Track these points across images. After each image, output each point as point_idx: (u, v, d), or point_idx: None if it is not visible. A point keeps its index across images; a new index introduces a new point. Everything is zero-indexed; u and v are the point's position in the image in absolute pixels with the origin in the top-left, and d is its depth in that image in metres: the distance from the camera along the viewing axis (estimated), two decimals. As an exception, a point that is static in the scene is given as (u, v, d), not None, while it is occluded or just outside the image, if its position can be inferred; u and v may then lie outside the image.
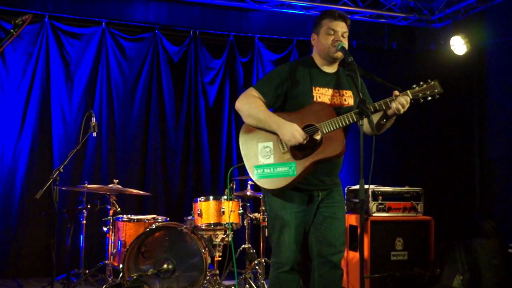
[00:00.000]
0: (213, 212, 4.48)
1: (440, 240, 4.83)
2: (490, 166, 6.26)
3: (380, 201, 4.79)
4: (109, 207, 4.65)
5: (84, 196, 4.79)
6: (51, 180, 3.93)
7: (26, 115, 5.57)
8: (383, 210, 4.79)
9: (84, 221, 4.77)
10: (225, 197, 4.48)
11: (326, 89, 2.86)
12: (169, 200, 5.96)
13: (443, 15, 6.38)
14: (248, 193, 4.92)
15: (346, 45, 2.81)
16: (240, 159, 2.88)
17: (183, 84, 6.12)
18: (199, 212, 4.49)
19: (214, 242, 4.53)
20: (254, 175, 2.79)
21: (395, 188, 4.89)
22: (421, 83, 2.73)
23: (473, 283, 4.42)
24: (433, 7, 6.40)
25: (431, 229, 4.78)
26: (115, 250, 4.54)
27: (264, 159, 2.78)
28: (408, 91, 2.71)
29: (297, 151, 2.72)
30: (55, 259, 3.98)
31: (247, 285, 4.67)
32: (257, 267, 4.70)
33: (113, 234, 4.56)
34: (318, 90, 2.84)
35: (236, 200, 4.58)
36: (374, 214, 4.75)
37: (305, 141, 2.68)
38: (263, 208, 4.66)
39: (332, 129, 2.68)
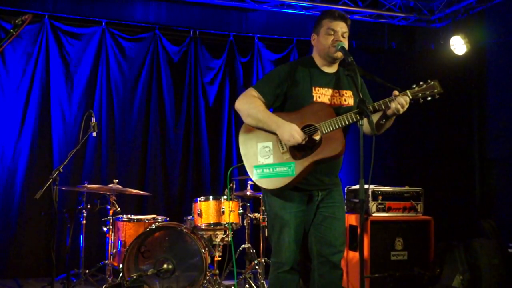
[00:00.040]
0: (213, 212, 4.48)
1: (440, 240, 4.83)
2: (490, 166, 6.26)
3: (380, 201, 4.79)
4: (109, 207, 4.65)
5: (84, 196, 4.79)
6: (51, 180, 3.92)
7: (26, 115, 5.57)
8: (383, 210, 4.79)
9: (84, 221, 4.77)
10: (225, 197, 4.48)
11: (326, 89, 2.86)
12: (169, 200, 5.97)
13: (443, 15, 6.38)
14: (248, 193, 4.92)
15: (346, 45, 2.81)
16: (240, 159, 2.88)
17: (183, 84, 6.13)
18: (199, 212, 4.49)
19: (214, 242, 4.53)
20: (253, 175, 2.79)
21: (395, 188, 4.89)
22: (420, 83, 2.72)
23: (473, 283, 4.42)
24: (433, 7, 6.40)
25: (431, 229, 4.78)
26: (115, 250, 4.54)
27: (263, 159, 2.78)
28: (407, 91, 2.70)
29: (297, 151, 2.72)
30: (55, 259, 3.98)
31: (247, 285, 4.67)
32: (257, 267, 4.70)
33: (113, 234, 4.56)
34: (318, 90, 2.83)
35: (236, 200, 4.58)
36: (374, 214, 4.75)
37: (304, 142, 2.68)
38: (263, 208, 4.66)
39: (331, 129, 2.68)
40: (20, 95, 5.57)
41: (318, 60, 2.92)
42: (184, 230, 4.34)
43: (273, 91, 2.83)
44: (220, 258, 4.52)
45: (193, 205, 4.62)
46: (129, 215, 4.62)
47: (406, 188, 4.93)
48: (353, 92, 2.91)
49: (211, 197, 4.53)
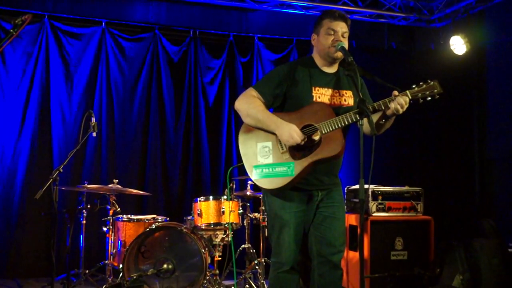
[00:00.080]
0: (213, 212, 4.47)
1: (440, 240, 4.82)
2: (490, 166, 6.27)
3: (380, 201, 4.79)
4: (109, 207, 4.65)
5: (84, 196, 4.79)
6: (51, 180, 3.92)
7: (26, 115, 5.57)
8: (383, 210, 4.79)
9: (84, 221, 4.77)
10: (225, 197, 4.48)
11: (326, 89, 2.86)
12: (169, 200, 5.96)
13: (442, 14, 6.39)
14: (248, 193, 4.92)
15: (346, 45, 2.81)
16: (239, 159, 2.88)
17: (183, 84, 6.12)
18: (199, 212, 4.48)
19: (214, 242, 4.53)
20: (253, 175, 2.79)
21: (395, 188, 4.89)
22: (420, 83, 2.71)
23: (473, 283, 4.42)
24: (433, 7, 6.40)
25: (431, 229, 4.78)
26: (115, 250, 4.53)
27: (263, 159, 2.78)
28: (407, 91, 2.70)
29: (296, 151, 2.72)
30: (55, 259, 3.98)
31: (247, 285, 4.67)
32: (257, 267, 4.70)
33: (113, 234, 4.56)
34: (318, 90, 2.83)
35: (236, 200, 4.58)
36: (374, 214, 4.75)
37: (302, 142, 2.68)
38: (263, 208, 4.66)
39: (331, 129, 2.68)
40: (20, 95, 5.56)
41: (318, 60, 2.92)
42: (184, 230, 4.34)
43: (272, 91, 2.83)
44: (220, 258, 4.52)
45: (193, 205, 4.62)
46: (129, 215, 4.62)
47: (406, 188, 4.93)
48: (353, 92, 2.91)
49: (211, 197, 4.53)
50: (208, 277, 4.29)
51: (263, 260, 4.71)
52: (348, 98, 2.90)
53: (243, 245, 4.97)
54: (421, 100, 2.71)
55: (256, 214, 4.86)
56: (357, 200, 4.93)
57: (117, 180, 4.73)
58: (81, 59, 5.80)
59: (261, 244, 4.82)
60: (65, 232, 5.19)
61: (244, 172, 2.85)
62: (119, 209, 4.65)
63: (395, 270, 4.56)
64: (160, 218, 4.62)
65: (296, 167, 2.70)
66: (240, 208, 4.59)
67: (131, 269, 4.26)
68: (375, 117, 2.77)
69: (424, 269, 4.63)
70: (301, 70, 2.86)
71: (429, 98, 2.70)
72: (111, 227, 4.56)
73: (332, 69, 2.92)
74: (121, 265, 4.23)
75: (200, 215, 4.48)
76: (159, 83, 6.03)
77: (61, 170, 3.99)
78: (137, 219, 4.55)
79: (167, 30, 6.10)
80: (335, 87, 2.89)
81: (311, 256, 2.92)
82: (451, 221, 5.90)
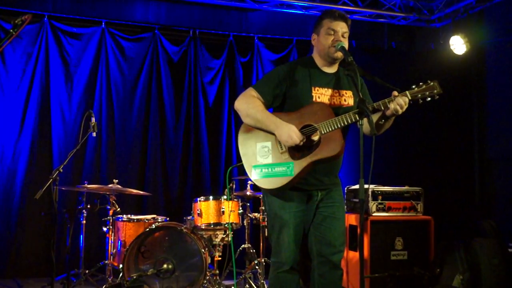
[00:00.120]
0: (213, 212, 4.47)
1: (440, 240, 4.82)
2: (489, 166, 6.27)
3: (380, 201, 4.79)
4: (109, 207, 4.65)
5: (84, 196, 4.79)
6: (51, 180, 3.92)
7: (26, 115, 5.57)
8: (383, 210, 4.79)
9: (84, 221, 4.77)
10: (225, 197, 4.48)
11: (326, 89, 2.86)
12: (169, 200, 5.96)
13: (442, 14, 6.39)
14: (248, 193, 4.92)
15: (346, 45, 2.81)
16: (239, 159, 2.88)
17: (183, 84, 6.12)
18: (199, 212, 4.48)
19: (214, 242, 4.53)
20: (252, 175, 2.79)
21: (395, 187, 4.89)
22: (420, 83, 2.71)
23: (473, 283, 4.42)
24: (433, 7, 6.40)
25: (431, 228, 4.78)
26: (115, 250, 4.54)
27: (262, 159, 2.78)
28: (407, 92, 2.69)
29: (295, 151, 2.72)
30: (55, 259, 3.97)
31: (247, 285, 4.67)
32: (257, 267, 4.70)
33: (113, 234, 4.56)
34: (318, 90, 2.83)
35: (236, 200, 4.58)
36: (374, 214, 4.75)
37: (301, 143, 2.68)
38: (263, 208, 4.66)
39: (330, 129, 2.68)
40: (20, 95, 5.56)
41: (318, 60, 2.92)
42: (184, 230, 4.34)
43: (272, 91, 2.83)
44: (220, 258, 4.52)
45: (193, 205, 4.62)
46: (129, 215, 4.62)
47: (406, 188, 4.93)
48: (353, 92, 2.91)
49: (211, 197, 4.53)
50: (208, 277, 4.29)
51: (263, 260, 4.71)
52: (348, 98, 2.90)
53: (243, 245, 4.97)
54: (421, 101, 2.71)
55: (256, 214, 4.86)
56: (357, 200, 4.93)
57: (117, 180, 4.73)
58: (81, 59, 5.80)
59: (261, 244, 4.82)
60: (65, 232, 5.19)
61: (244, 172, 2.85)
62: (119, 209, 4.65)
63: (395, 270, 4.56)
64: (160, 218, 4.62)
65: (296, 167, 2.70)
66: (240, 208, 4.59)
67: (131, 269, 4.26)
68: (374, 118, 2.76)
69: (424, 269, 4.63)
70: (301, 70, 2.86)
71: (429, 99, 2.70)
72: (111, 227, 4.56)
73: (332, 69, 2.92)
74: (121, 265, 4.23)
75: (200, 215, 4.48)
76: (159, 83, 6.03)
77: (61, 170, 3.99)
78: (137, 219, 4.55)
79: (167, 30, 6.10)
80: (335, 87, 2.88)
81: (311, 256, 2.92)
82: (451, 221, 5.90)
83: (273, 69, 3.06)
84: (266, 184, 2.76)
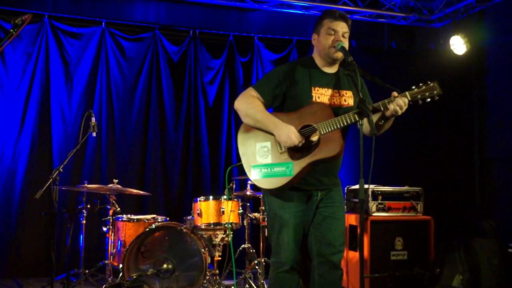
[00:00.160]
0: (212, 212, 4.47)
1: (440, 240, 4.83)
2: (489, 166, 6.27)
3: (380, 201, 4.79)
4: (108, 207, 4.65)
5: (84, 196, 4.79)
6: (51, 180, 3.92)
7: (26, 115, 5.57)
8: (383, 210, 4.79)
9: (84, 221, 4.77)
10: (225, 196, 4.48)
11: (326, 89, 2.86)
12: (169, 200, 5.96)
13: (442, 14, 6.39)
14: (248, 193, 4.92)
15: (346, 45, 2.81)
16: (239, 158, 2.88)
17: (183, 84, 6.12)
18: (198, 212, 4.48)
19: (214, 242, 4.53)
20: (251, 174, 2.79)
21: (395, 188, 4.89)
22: (420, 84, 2.70)
23: (473, 283, 4.42)
24: (433, 7, 6.40)
25: (430, 228, 4.78)
26: (114, 250, 4.54)
27: (261, 158, 2.78)
28: (406, 93, 2.69)
29: (295, 151, 2.72)
30: (55, 259, 3.97)
31: (246, 285, 4.67)
32: (257, 267, 4.70)
33: (112, 234, 4.56)
34: (318, 90, 2.83)
35: (236, 200, 4.58)
36: (374, 214, 4.75)
37: (300, 144, 2.68)
38: (263, 208, 4.66)
39: (330, 130, 2.67)
40: (20, 95, 5.56)
41: (318, 60, 2.92)
42: (184, 230, 4.34)
43: (272, 91, 2.83)
44: (220, 258, 4.52)
45: (193, 205, 4.62)
46: (129, 215, 4.62)
47: (406, 188, 4.93)
48: (353, 92, 2.90)
49: (211, 197, 4.53)
50: (208, 277, 4.29)
51: (263, 260, 4.71)
52: (348, 98, 2.90)
53: (243, 245, 4.97)
54: (421, 102, 2.70)
55: (256, 214, 4.86)
56: (357, 200, 4.93)
57: (117, 180, 4.73)
58: (81, 59, 5.80)
59: (261, 244, 4.82)
60: (65, 232, 5.20)
61: (244, 172, 2.85)
62: (119, 209, 4.65)
63: (395, 270, 4.56)
64: (160, 218, 4.62)
65: (295, 167, 2.70)
66: (240, 208, 4.59)
67: (131, 269, 4.26)
68: (374, 118, 2.76)
69: (424, 269, 4.63)
70: (301, 70, 2.86)
71: (429, 100, 2.69)
72: (111, 227, 4.56)
73: (332, 69, 2.92)
74: (121, 265, 4.23)
75: (200, 215, 4.48)
76: (159, 83, 6.03)
77: (61, 170, 3.99)
78: (137, 219, 4.55)
79: (167, 30, 6.10)
80: (335, 87, 2.88)
81: (311, 256, 2.92)
82: (451, 221, 5.90)
83: (273, 69, 3.06)
84: (265, 184, 2.76)
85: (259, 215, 4.80)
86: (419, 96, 2.68)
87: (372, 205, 4.76)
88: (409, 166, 6.41)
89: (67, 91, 5.73)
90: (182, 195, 5.99)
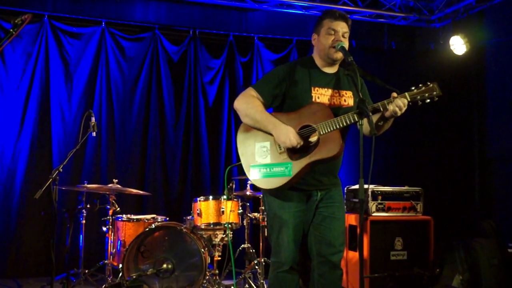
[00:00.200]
0: (212, 212, 4.47)
1: (439, 240, 4.83)
2: (489, 165, 6.27)
3: (379, 201, 4.79)
4: (108, 206, 4.65)
5: (84, 196, 4.79)
6: (51, 180, 3.91)
7: (26, 115, 5.57)
8: (383, 210, 4.79)
9: (84, 221, 4.77)
10: (225, 196, 4.47)
11: (326, 89, 2.85)
12: (169, 200, 5.96)
13: (442, 14, 6.39)
14: (248, 193, 4.92)
15: (346, 46, 2.80)
16: (239, 158, 2.88)
17: (183, 83, 6.12)
18: (198, 211, 4.48)
19: (214, 242, 4.53)
20: (250, 174, 2.79)
21: (395, 188, 4.89)
22: (420, 85, 2.69)
23: (473, 283, 4.42)
24: (433, 7, 6.40)
25: (430, 229, 4.78)
26: (114, 250, 4.53)
27: (261, 158, 2.78)
28: (406, 94, 2.68)
29: (294, 151, 2.72)
30: (54, 259, 3.97)
31: (246, 285, 4.67)
32: (256, 267, 4.70)
33: (112, 233, 4.55)
34: (317, 90, 2.83)
35: (235, 199, 4.58)
36: (373, 214, 4.75)
37: (298, 145, 2.68)
38: (263, 207, 4.66)
39: (329, 130, 2.67)
40: (20, 95, 5.56)
41: (318, 61, 2.92)
42: (184, 230, 4.34)
43: (271, 91, 2.83)
44: (219, 258, 4.52)
45: (192, 205, 4.61)
46: (128, 215, 4.62)
47: (406, 188, 4.93)
48: (353, 92, 2.90)
49: (210, 197, 4.52)
50: (207, 277, 4.29)
51: (262, 260, 4.71)
52: (348, 99, 2.90)
53: (242, 245, 4.97)
54: (420, 103, 2.69)
55: (255, 214, 4.86)
56: (357, 200, 4.93)
57: (116, 180, 4.73)
58: (81, 59, 5.80)
59: (261, 244, 4.82)
60: (64, 231, 5.18)
61: (243, 172, 2.85)
62: (118, 209, 4.65)
63: (395, 270, 4.56)
64: (159, 218, 4.62)
65: (294, 167, 2.70)
66: (240, 208, 4.59)
67: (130, 269, 4.26)
68: (374, 118, 2.75)
69: (424, 269, 4.63)
70: (300, 70, 2.86)
71: (428, 101, 2.69)
72: (110, 226, 4.56)
73: (332, 69, 2.92)
74: (120, 265, 4.23)
75: (199, 215, 4.47)
76: (159, 83, 6.03)
77: (61, 170, 3.98)
78: (137, 219, 4.55)
79: (167, 30, 6.10)
80: (335, 88, 2.88)
81: (311, 256, 2.92)
82: (451, 221, 5.90)
83: (273, 69, 3.06)
84: (265, 184, 2.76)
85: (258, 215, 4.80)
86: (419, 97, 2.68)
87: (372, 205, 4.76)
88: (409, 166, 6.41)
89: (67, 91, 5.73)
90: (182, 195, 5.99)
